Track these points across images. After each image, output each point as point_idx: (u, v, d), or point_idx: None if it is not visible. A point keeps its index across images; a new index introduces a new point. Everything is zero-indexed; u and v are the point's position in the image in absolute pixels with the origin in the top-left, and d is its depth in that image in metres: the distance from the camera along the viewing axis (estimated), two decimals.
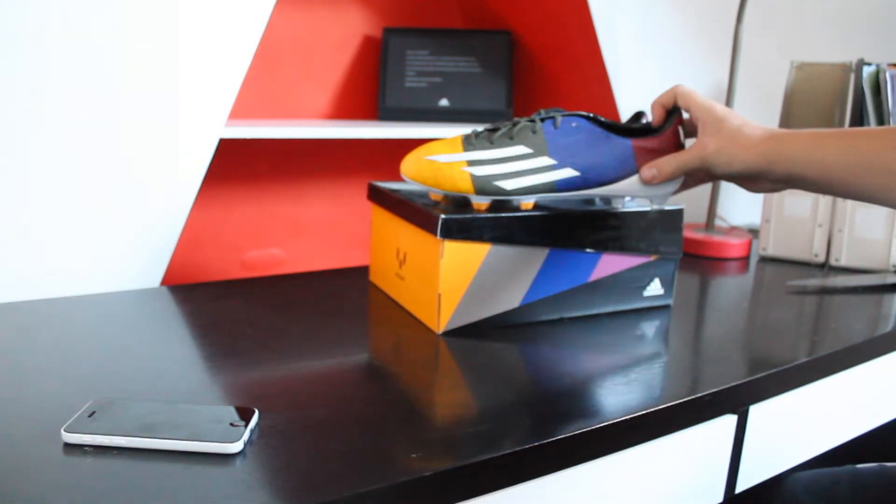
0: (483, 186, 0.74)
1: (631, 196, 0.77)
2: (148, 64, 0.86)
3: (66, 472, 0.46)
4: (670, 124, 0.74)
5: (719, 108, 0.70)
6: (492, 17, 1.41)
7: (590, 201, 0.85)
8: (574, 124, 0.74)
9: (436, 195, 0.79)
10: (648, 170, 0.73)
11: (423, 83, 1.33)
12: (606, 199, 0.84)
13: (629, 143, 0.74)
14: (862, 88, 1.15)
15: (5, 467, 0.47)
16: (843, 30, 1.55)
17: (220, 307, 0.82)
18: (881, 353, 0.82)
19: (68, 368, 0.63)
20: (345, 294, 0.89)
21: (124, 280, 0.89)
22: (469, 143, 0.75)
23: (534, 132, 0.74)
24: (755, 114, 1.39)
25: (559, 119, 0.74)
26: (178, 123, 0.89)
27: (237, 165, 1.22)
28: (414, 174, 0.76)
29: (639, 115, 0.79)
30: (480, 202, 0.75)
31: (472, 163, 0.74)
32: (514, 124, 0.76)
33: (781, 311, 0.89)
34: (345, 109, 1.35)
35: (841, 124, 1.19)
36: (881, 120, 1.15)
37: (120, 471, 0.47)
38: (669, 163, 0.72)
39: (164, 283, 0.93)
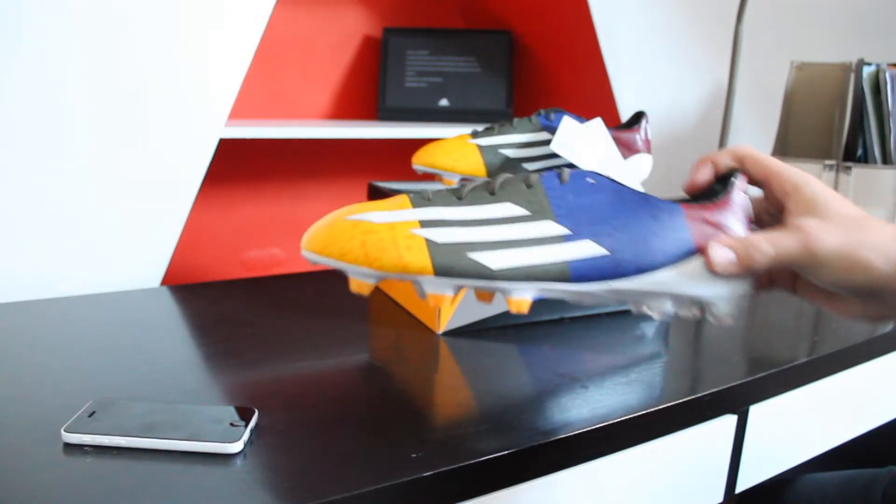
0: (449, 261, 0.46)
1: (679, 296, 0.49)
2: (148, 64, 0.86)
3: (66, 472, 0.46)
4: (728, 189, 0.49)
5: (815, 182, 0.49)
6: (492, 17, 1.41)
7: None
8: (591, 180, 0.48)
9: (360, 284, 0.48)
10: (722, 250, 0.47)
11: (423, 83, 1.33)
12: (636, 302, 0.51)
13: (678, 208, 0.48)
14: (862, 88, 1.15)
15: (5, 467, 0.47)
16: (843, 30, 1.55)
17: (220, 307, 0.82)
18: (881, 353, 0.82)
19: (68, 368, 0.63)
20: (345, 294, 0.89)
21: (124, 280, 0.89)
22: (422, 199, 0.49)
23: (528, 186, 0.48)
24: (755, 114, 1.40)
25: (566, 173, 0.49)
26: (178, 123, 0.89)
27: (237, 165, 1.22)
28: (322, 247, 0.47)
29: (639, 116, 0.77)
30: (441, 292, 0.47)
31: (427, 223, 0.47)
32: (494, 175, 0.51)
33: (781, 311, 0.89)
34: (345, 109, 1.35)
35: (841, 124, 1.19)
36: (881, 120, 1.15)
37: (120, 471, 0.47)
38: (760, 244, 0.47)
39: (164, 283, 0.93)
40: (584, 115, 0.77)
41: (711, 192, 0.51)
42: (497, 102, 1.32)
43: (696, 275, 0.48)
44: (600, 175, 0.49)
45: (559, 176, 0.48)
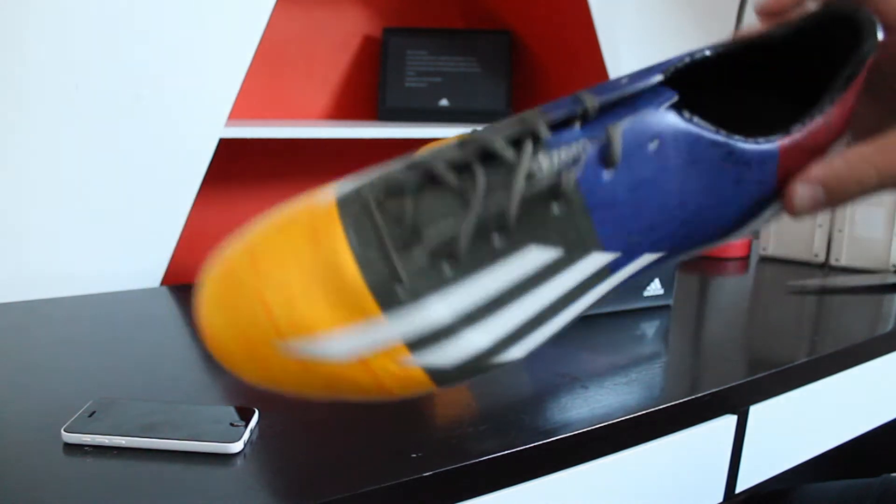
0: (459, 377, 0.32)
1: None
2: (148, 64, 0.86)
3: (66, 472, 0.46)
4: (858, 66, 0.30)
5: None
6: (492, 17, 1.41)
7: None
8: (654, 144, 0.29)
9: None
10: (808, 190, 0.31)
11: (423, 83, 1.33)
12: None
13: (774, 154, 0.30)
14: None
15: (5, 467, 0.47)
16: None
17: None
18: (881, 354, 0.82)
19: (68, 368, 0.63)
20: None
21: (124, 280, 0.89)
22: (388, 279, 0.29)
23: (557, 197, 0.29)
24: None
25: (615, 146, 0.29)
26: (178, 123, 0.89)
27: (237, 165, 1.22)
28: (259, 377, 0.31)
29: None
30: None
31: (419, 343, 0.30)
32: (484, 156, 0.30)
33: (781, 311, 0.89)
34: (345, 109, 1.35)
35: None
36: None
37: (120, 471, 0.47)
38: (862, 171, 0.31)
39: (164, 283, 0.93)
40: None
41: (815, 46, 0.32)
42: (497, 102, 1.32)
43: (764, 219, 0.33)
44: (667, 119, 0.29)
45: (604, 158, 0.29)
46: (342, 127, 1.10)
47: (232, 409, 0.54)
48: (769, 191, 0.31)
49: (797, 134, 0.30)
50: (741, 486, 0.70)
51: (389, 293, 0.29)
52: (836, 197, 0.31)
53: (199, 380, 0.63)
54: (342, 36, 1.32)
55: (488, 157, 0.29)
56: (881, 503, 0.74)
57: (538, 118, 0.29)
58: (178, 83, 0.88)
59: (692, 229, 0.31)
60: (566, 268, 0.30)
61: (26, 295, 0.83)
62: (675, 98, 0.29)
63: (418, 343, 0.30)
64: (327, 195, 0.31)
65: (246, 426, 0.51)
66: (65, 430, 0.49)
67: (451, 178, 0.29)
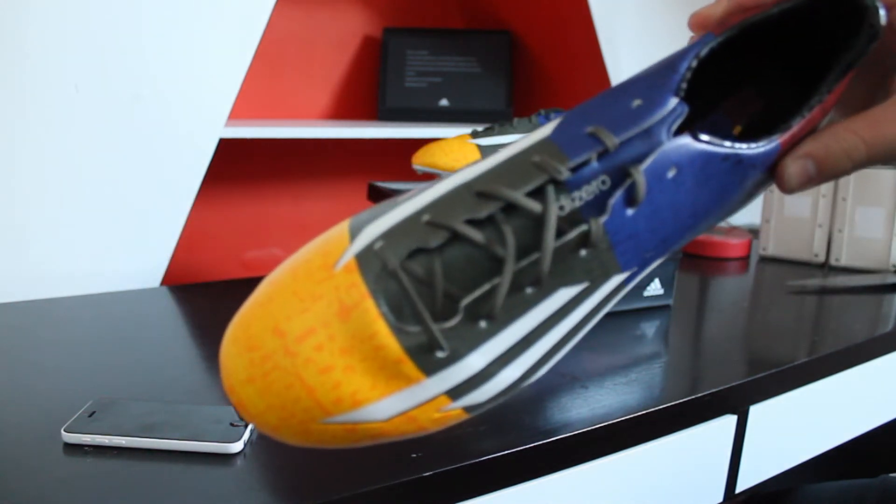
0: (493, 405, 0.33)
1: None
2: (148, 64, 0.86)
3: (66, 472, 0.46)
4: (855, 64, 0.31)
5: None
6: (492, 17, 1.41)
7: None
8: (673, 172, 0.30)
9: None
10: (799, 164, 0.32)
11: (423, 83, 1.33)
12: None
13: (774, 151, 0.31)
14: None
15: (5, 467, 0.47)
16: None
17: (220, 307, 0.82)
18: (881, 353, 0.82)
19: (68, 368, 0.63)
20: None
21: (124, 280, 0.89)
22: (427, 347, 0.30)
23: (588, 246, 0.30)
24: None
25: (640, 187, 0.29)
26: (178, 123, 0.89)
27: (237, 165, 1.22)
28: (303, 443, 0.31)
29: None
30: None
31: (459, 391, 0.31)
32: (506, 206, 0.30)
33: (781, 311, 0.89)
34: (345, 109, 1.35)
35: None
36: None
37: (120, 471, 0.47)
38: (852, 146, 0.31)
39: (164, 283, 0.93)
40: None
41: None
42: (497, 102, 1.32)
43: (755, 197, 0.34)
44: (683, 147, 0.30)
45: (629, 198, 0.29)
46: (342, 127, 1.10)
47: (232, 409, 0.54)
48: (766, 181, 0.33)
49: (797, 127, 0.31)
50: (741, 486, 0.70)
51: (430, 359, 0.29)
52: (826, 170, 0.32)
53: (199, 380, 0.63)
54: (342, 36, 1.32)
55: (509, 206, 0.30)
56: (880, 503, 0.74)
57: (557, 164, 0.29)
58: (178, 83, 0.88)
59: (698, 230, 0.32)
60: (590, 296, 0.31)
61: (26, 295, 0.83)
62: (686, 112, 0.30)
63: (458, 391, 0.31)
64: (342, 243, 0.31)
65: (246, 426, 0.51)
66: (65, 430, 0.49)
67: (476, 235, 0.29)
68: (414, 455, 0.50)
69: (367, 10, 1.34)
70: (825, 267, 1.13)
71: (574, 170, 0.29)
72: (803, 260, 1.15)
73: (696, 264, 1.11)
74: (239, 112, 1.20)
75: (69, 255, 0.86)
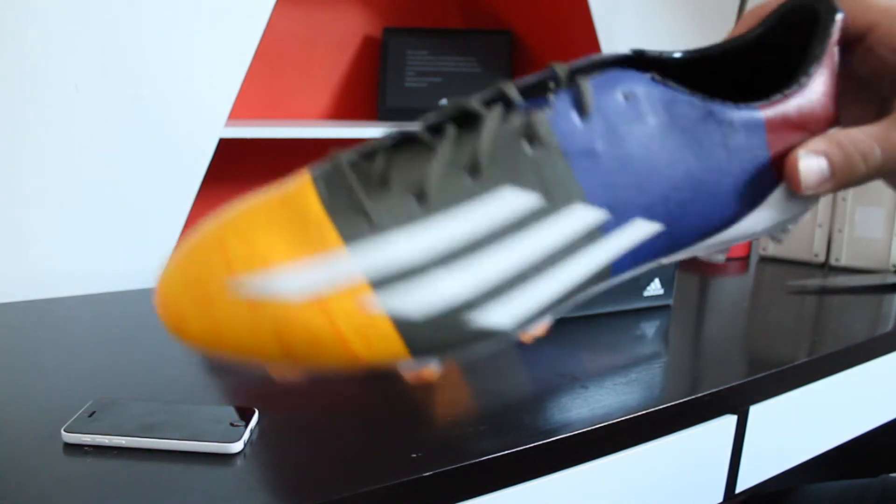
0: (434, 339, 0.28)
1: (746, 237, 0.33)
2: (148, 64, 0.86)
3: (66, 472, 0.46)
4: (825, 42, 0.31)
5: None
6: (492, 17, 1.41)
7: None
8: (623, 94, 0.29)
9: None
10: (812, 161, 0.30)
11: (423, 83, 1.33)
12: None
13: (758, 118, 0.30)
14: None
15: (5, 467, 0.47)
16: None
17: None
18: (881, 353, 0.82)
19: (68, 368, 0.63)
20: None
21: (124, 280, 0.89)
22: (352, 211, 0.28)
23: (532, 141, 0.28)
24: None
25: (587, 93, 0.29)
26: (178, 123, 0.89)
27: (237, 165, 1.22)
28: (205, 335, 0.29)
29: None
30: (421, 368, 0.30)
31: (383, 282, 0.27)
32: (459, 118, 0.30)
33: (781, 311, 0.89)
34: (345, 109, 1.35)
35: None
36: None
37: (120, 471, 0.47)
38: (867, 147, 0.30)
39: None
40: None
41: (779, 46, 0.33)
42: None
43: (774, 206, 0.31)
44: (637, 75, 0.29)
45: (578, 105, 0.28)
46: (342, 127, 1.10)
47: (232, 409, 0.54)
48: (765, 163, 0.31)
49: (780, 105, 0.30)
50: (741, 486, 0.70)
51: (352, 224, 0.27)
52: (840, 171, 0.30)
53: (199, 380, 0.63)
54: (342, 36, 1.32)
55: (463, 118, 0.29)
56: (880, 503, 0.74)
57: (510, 84, 0.30)
58: (178, 83, 0.88)
59: (688, 197, 0.30)
60: (547, 217, 0.28)
61: (26, 295, 0.83)
62: (638, 59, 0.30)
63: (383, 282, 0.27)
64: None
65: (246, 426, 0.51)
66: (65, 430, 0.49)
67: (425, 136, 0.29)
68: (414, 455, 0.50)
69: (367, 10, 1.34)
70: (825, 267, 1.13)
71: (524, 91, 0.30)
72: (803, 260, 1.15)
73: (697, 264, 1.11)
74: (239, 112, 1.20)
75: (69, 255, 0.86)
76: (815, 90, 0.31)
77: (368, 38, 1.35)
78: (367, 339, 0.27)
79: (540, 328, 0.31)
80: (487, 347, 0.30)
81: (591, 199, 0.29)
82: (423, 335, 0.28)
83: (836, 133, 0.31)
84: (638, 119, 0.29)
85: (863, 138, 0.30)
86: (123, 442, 0.49)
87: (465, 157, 0.28)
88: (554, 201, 0.28)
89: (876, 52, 0.31)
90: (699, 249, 0.32)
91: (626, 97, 0.29)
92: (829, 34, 0.30)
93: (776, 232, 0.33)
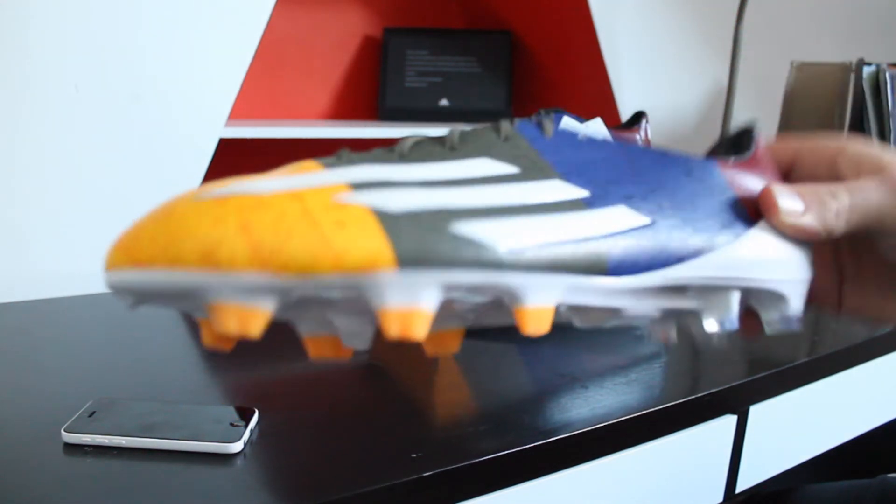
0: (421, 241, 0.26)
1: (751, 288, 0.34)
2: (147, 64, 0.86)
3: (66, 472, 0.46)
4: (753, 143, 0.37)
5: (857, 142, 0.38)
6: (492, 17, 1.41)
7: None
8: (582, 138, 0.34)
9: (228, 322, 0.30)
10: (788, 197, 0.35)
11: (423, 83, 1.33)
12: (683, 320, 0.37)
13: (710, 161, 0.35)
14: (862, 89, 1.15)
15: (5, 467, 0.47)
16: (843, 30, 1.55)
17: None
18: (881, 353, 0.82)
19: (68, 368, 0.63)
20: None
21: None
22: (339, 159, 0.31)
23: (502, 137, 0.32)
24: (755, 114, 1.39)
25: (547, 124, 0.33)
26: (178, 123, 0.89)
27: (237, 165, 1.22)
28: (149, 252, 0.29)
29: (639, 116, 0.75)
30: (411, 301, 0.27)
31: (363, 185, 0.28)
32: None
33: None
34: (345, 109, 1.35)
35: (841, 124, 1.19)
36: (881, 120, 1.15)
37: (120, 471, 0.47)
38: (834, 189, 0.35)
39: None
40: (584, 115, 0.76)
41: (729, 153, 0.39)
42: (497, 102, 1.32)
43: (763, 246, 0.34)
44: (593, 136, 0.34)
45: (539, 126, 0.33)
46: (342, 127, 1.10)
47: (232, 409, 0.54)
48: (732, 199, 0.34)
49: (723, 160, 0.35)
50: (741, 486, 0.70)
51: (336, 160, 0.30)
52: (812, 202, 0.35)
53: (199, 380, 0.63)
54: (342, 36, 1.32)
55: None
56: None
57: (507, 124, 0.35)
58: (178, 83, 0.88)
59: (669, 205, 0.32)
60: (525, 182, 0.30)
61: (26, 295, 0.83)
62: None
63: (362, 185, 0.27)
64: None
65: (246, 426, 0.51)
66: (65, 430, 0.49)
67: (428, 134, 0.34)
68: (414, 455, 0.50)
69: (367, 10, 1.34)
70: None
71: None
72: None
73: None
74: (239, 112, 1.20)
75: (69, 255, 0.86)
76: (762, 166, 0.36)
77: (368, 38, 1.35)
78: (342, 224, 0.25)
79: (543, 313, 0.29)
80: (479, 274, 0.27)
81: (568, 178, 0.31)
82: (405, 231, 0.26)
83: (811, 185, 0.36)
84: (597, 148, 0.33)
85: (832, 184, 0.35)
86: (123, 442, 0.49)
87: (440, 142, 0.31)
88: (528, 171, 0.30)
89: (805, 167, 0.39)
90: (706, 268, 0.33)
91: (584, 138, 0.33)
92: (754, 138, 0.37)
93: (772, 317, 0.36)
